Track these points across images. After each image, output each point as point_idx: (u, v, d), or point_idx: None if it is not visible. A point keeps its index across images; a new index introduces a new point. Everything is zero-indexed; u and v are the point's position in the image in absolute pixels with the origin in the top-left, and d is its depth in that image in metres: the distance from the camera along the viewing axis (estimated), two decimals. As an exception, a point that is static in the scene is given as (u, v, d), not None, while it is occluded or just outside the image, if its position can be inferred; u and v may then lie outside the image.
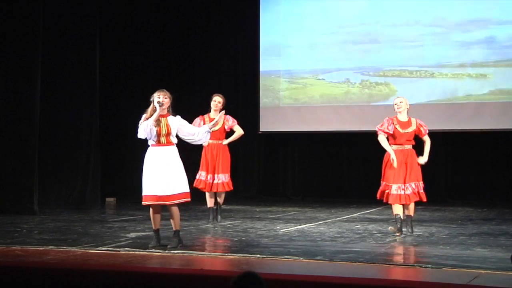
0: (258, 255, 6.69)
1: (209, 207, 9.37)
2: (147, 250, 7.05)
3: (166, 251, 6.95)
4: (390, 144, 8.21)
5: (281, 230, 8.65)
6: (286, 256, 6.64)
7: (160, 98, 7.09)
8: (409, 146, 8.20)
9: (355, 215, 10.37)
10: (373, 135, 13.10)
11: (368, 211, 10.97)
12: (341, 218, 10.12)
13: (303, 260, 6.49)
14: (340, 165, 13.38)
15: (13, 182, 10.34)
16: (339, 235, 8.23)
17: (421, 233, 8.40)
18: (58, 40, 11.17)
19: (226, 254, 6.78)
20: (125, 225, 9.09)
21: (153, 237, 7.28)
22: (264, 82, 13.34)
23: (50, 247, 7.20)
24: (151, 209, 7.20)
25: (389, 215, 10.37)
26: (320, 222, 9.49)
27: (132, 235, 8.17)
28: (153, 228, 7.26)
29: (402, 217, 8.16)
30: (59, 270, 6.00)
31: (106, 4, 12.10)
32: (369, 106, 12.69)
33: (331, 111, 12.98)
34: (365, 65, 12.79)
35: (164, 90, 7.23)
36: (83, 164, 11.32)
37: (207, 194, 9.35)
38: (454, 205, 11.74)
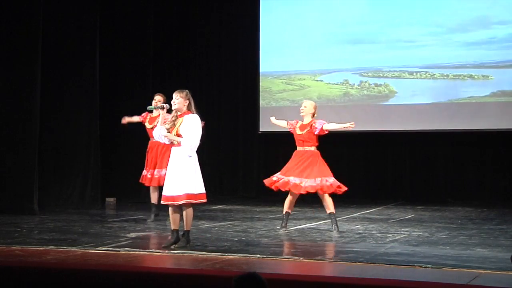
0: (258, 255, 6.69)
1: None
2: (147, 250, 7.05)
3: (166, 251, 6.95)
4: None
5: (281, 230, 8.65)
6: (286, 256, 6.63)
7: (172, 101, 7.12)
8: (309, 148, 8.83)
9: (355, 215, 10.36)
10: (373, 135, 13.14)
11: (368, 211, 10.96)
12: (341, 218, 10.09)
13: (303, 260, 6.49)
14: (340, 165, 13.33)
15: (13, 182, 10.33)
16: (339, 235, 8.23)
17: (421, 233, 8.40)
18: (58, 40, 11.16)
19: (226, 254, 6.78)
20: (125, 225, 9.09)
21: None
22: (261, 83, 13.29)
23: (50, 247, 7.20)
24: (169, 209, 7.20)
25: (389, 215, 10.39)
26: (320, 222, 9.48)
27: (132, 235, 8.17)
28: (171, 228, 7.23)
29: (288, 212, 8.62)
30: (59, 270, 6.00)
31: (106, 4, 12.09)
32: (368, 107, 12.65)
33: (330, 112, 12.94)
34: (364, 66, 12.74)
35: (178, 90, 7.21)
36: (83, 164, 11.31)
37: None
38: (454, 205, 11.72)
